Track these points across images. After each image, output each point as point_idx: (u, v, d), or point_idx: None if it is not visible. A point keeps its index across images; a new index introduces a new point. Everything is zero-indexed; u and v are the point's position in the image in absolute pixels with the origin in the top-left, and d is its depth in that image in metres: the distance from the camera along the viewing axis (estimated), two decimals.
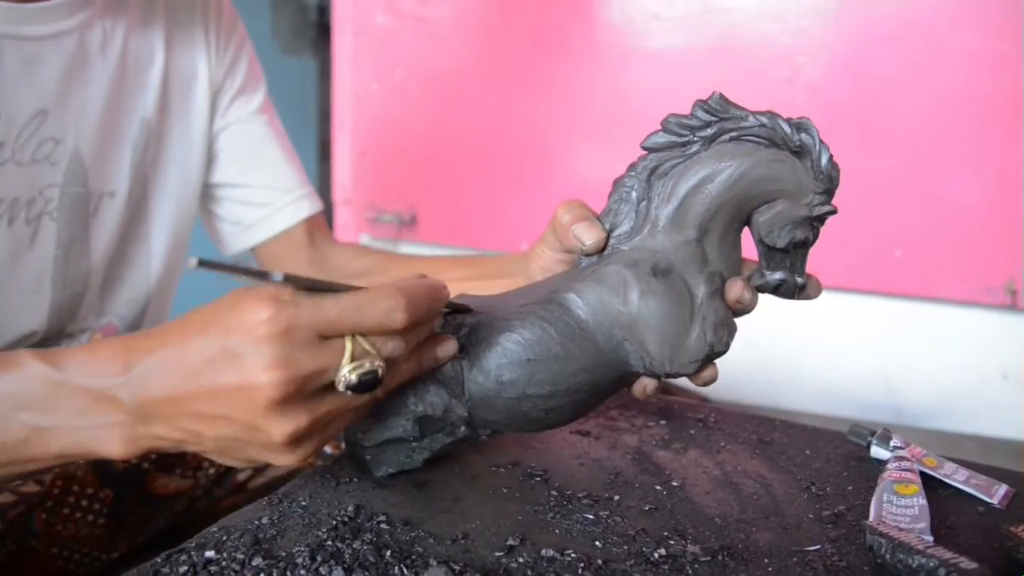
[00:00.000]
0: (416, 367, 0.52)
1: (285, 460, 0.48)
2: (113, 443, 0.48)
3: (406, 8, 1.74)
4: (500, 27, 1.68)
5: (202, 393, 0.46)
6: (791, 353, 1.58)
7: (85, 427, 0.48)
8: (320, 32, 2.78)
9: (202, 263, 0.42)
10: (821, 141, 0.53)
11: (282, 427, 0.46)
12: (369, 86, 1.80)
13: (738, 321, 0.58)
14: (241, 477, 0.89)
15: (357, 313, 0.46)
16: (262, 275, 0.44)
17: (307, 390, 0.46)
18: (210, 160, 0.90)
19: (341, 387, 0.46)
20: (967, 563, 0.46)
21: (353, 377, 0.46)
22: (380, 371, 0.47)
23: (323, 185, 2.13)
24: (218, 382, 0.45)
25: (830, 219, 0.55)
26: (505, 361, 0.54)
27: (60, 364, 0.49)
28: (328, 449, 0.89)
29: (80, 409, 0.48)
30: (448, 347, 0.53)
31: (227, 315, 0.45)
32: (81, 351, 0.49)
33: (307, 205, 0.94)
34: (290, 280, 0.45)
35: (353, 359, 0.46)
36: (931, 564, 0.46)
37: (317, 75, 2.91)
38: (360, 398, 0.48)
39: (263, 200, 0.92)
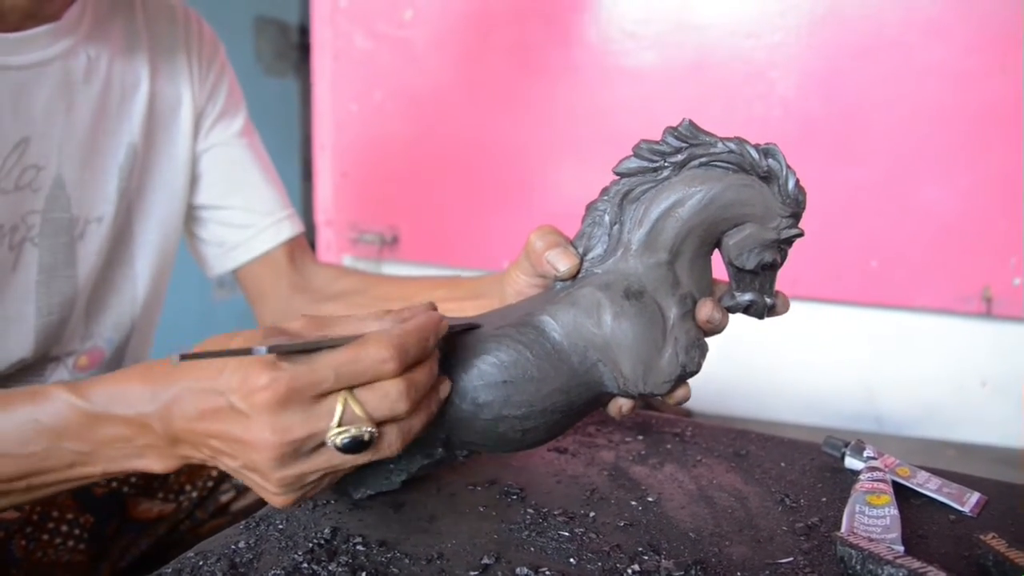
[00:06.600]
0: (428, 415, 0.52)
1: (277, 502, 0.50)
2: (153, 460, 0.52)
3: (385, 30, 1.76)
4: (478, 48, 1.69)
5: (212, 433, 0.48)
6: (772, 365, 1.58)
7: (125, 450, 0.51)
8: (302, 53, 2.79)
9: (184, 357, 0.44)
10: (788, 166, 0.54)
11: (276, 475, 0.48)
12: (349, 108, 1.81)
13: (720, 334, 0.59)
14: (224, 499, 0.89)
15: (352, 369, 0.47)
16: (247, 352, 0.45)
17: (302, 451, 0.47)
18: (192, 182, 0.91)
19: (330, 446, 0.48)
20: (935, 572, 0.46)
21: (339, 441, 0.47)
22: (367, 435, 0.48)
23: (308, 205, 2.14)
24: (225, 430, 0.48)
25: (806, 232, 0.56)
26: (481, 383, 0.54)
27: (89, 396, 0.51)
28: None
29: (119, 436, 0.51)
30: (446, 387, 0.53)
31: (230, 376, 0.47)
32: (107, 382, 0.52)
33: (287, 227, 0.94)
34: (275, 351, 0.45)
35: (341, 423, 0.47)
36: (900, 574, 0.47)
37: (300, 96, 2.91)
38: (355, 457, 0.49)
39: (244, 222, 0.93)
